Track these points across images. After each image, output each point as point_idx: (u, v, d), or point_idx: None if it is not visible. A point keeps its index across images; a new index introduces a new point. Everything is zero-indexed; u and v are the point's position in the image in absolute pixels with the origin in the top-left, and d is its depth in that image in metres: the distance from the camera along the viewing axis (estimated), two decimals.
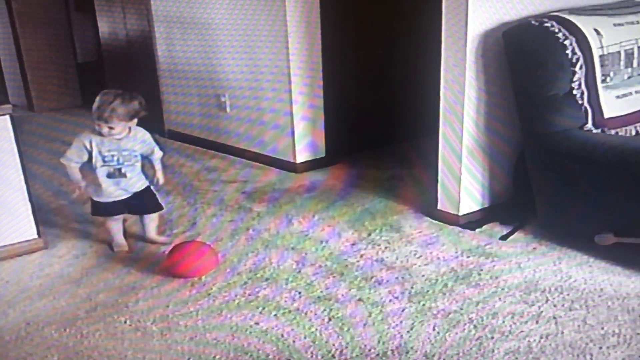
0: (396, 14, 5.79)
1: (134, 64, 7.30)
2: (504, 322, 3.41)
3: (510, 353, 3.16)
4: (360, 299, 3.68)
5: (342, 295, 3.74)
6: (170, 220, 4.77)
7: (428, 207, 4.70)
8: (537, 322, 3.40)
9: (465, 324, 3.40)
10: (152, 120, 6.90)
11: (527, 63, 4.10)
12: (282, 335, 3.37)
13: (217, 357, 3.23)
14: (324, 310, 3.59)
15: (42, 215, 4.53)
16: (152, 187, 4.36)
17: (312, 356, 3.20)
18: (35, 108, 8.34)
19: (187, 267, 3.95)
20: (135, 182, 4.26)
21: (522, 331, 3.33)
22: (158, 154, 4.32)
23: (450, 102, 4.32)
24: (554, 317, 3.43)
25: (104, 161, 4.12)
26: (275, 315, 3.56)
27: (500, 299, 3.63)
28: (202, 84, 6.33)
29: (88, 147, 4.11)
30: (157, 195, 4.41)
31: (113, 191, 4.22)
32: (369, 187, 5.23)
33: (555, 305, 3.53)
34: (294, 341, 3.33)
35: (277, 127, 5.72)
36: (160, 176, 4.35)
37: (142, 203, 4.35)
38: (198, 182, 5.61)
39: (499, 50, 4.21)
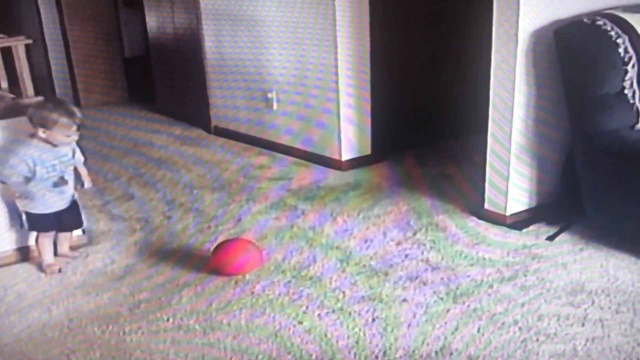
0: (446, 12, 5.76)
1: (182, 59, 7.33)
2: (549, 324, 3.36)
3: (555, 356, 3.12)
4: (404, 300, 3.66)
5: (387, 295, 3.71)
6: (216, 217, 4.78)
7: (475, 207, 4.65)
8: (583, 324, 3.35)
9: (510, 326, 3.36)
10: (199, 116, 6.99)
11: (579, 61, 4.05)
12: (326, 335, 3.36)
13: (260, 356, 3.23)
14: (368, 310, 3.57)
15: (86, 212, 4.54)
16: (77, 201, 4.28)
17: (355, 357, 3.19)
18: (82, 102, 8.38)
19: (232, 265, 3.95)
20: (71, 188, 4.20)
21: (567, 334, 3.28)
22: (80, 156, 4.24)
23: (500, 100, 4.28)
24: (600, 320, 3.38)
25: (48, 172, 4.01)
26: (318, 315, 3.55)
27: (545, 300, 3.58)
28: (250, 79, 6.33)
29: (30, 163, 3.95)
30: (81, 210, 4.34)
31: (57, 201, 4.12)
32: (415, 186, 5.19)
33: (601, 308, 3.47)
34: (337, 341, 3.31)
35: (323, 125, 5.71)
36: (86, 178, 4.29)
37: (72, 217, 4.25)
38: (244, 179, 5.61)
39: (550, 48, 4.15)
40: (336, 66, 5.44)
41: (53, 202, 4.10)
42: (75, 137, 4.02)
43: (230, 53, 6.47)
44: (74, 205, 4.23)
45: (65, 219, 4.21)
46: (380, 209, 4.81)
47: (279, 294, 3.77)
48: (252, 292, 3.80)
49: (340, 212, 4.79)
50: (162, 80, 7.89)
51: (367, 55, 5.51)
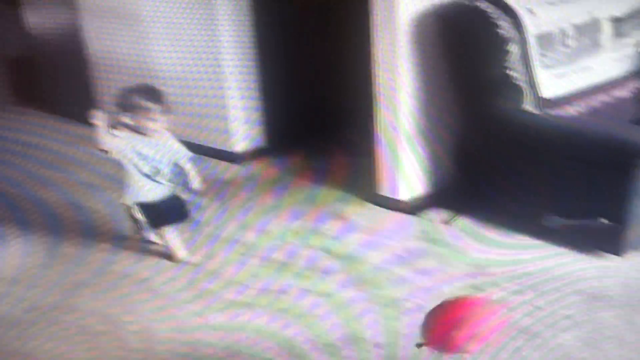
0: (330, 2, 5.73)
1: (65, 57, 7.15)
2: None
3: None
4: (307, 290, 3.65)
5: (289, 286, 3.70)
6: (110, 215, 4.67)
7: (371, 194, 4.66)
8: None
9: (413, 311, 3.37)
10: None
11: (461, 44, 4.11)
12: (231, 330, 3.33)
13: (166, 353, 3.19)
14: (271, 302, 3.56)
15: None
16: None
17: (262, 349, 3.17)
18: None
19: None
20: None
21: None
22: (186, 152, 4.06)
23: (386, 87, 4.29)
24: (504, 302, 3.43)
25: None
26: (221, 309, 3.52)
27: (447, 284, 3.62)
28: (136, 74, 6.20)
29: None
30: None
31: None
32: (311, 176, 5.18)
33: (504, 290, 3.53)
34: (243, 334, 3.29)
35: (214, 118, 5.63)
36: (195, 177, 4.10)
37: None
38: None
39: (433, 32, 4.19)
40: (220, 59, 5.38)
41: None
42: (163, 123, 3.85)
43: (115, 50, 6.34)
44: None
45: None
46: (277, 200, 4.79)
47: (180, 290, 3.72)
48: (153, 289, 3.74)
49: (237, 205, 4.75)
50: (47, 79, 7.67)
51: (253, 48, 5.46)
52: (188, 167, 4.02)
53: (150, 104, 3.77)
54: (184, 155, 4.00)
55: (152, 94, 3.84)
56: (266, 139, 5.74)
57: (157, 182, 3.91)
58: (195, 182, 4.03)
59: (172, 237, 4.04)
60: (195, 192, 4.09)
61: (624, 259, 3.76)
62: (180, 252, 4.04)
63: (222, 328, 3.35)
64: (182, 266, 3.96)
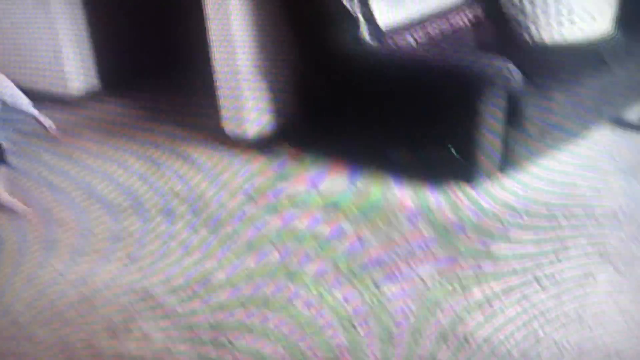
0: None
1: None
2: (307, 243, 3.44)
3: (318, 275, 3.19)
4: (157, 234, 3.61)
5: (138, 231, 3.65)
6: None
7: (215, 133, 4.61)
8: (340, 241, 3.45)
9: (268, 249, 3.40)
10: None
11: None
12: (82, 279, 3.26)
13: (17, 306, 3.10)
14: (121, 248, 3.50)
15: None
16: None
17: (115, 296, 3.12)
18: None
19: None
20: None
21: (327, 252, 3.37)
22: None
23: (219, 24, 4.24)
24: (358, 236, 3.48)
25: None
26: (72, 259, 3.43)
27: (300, 219, 3.65)
28: None
29: None
30: None
31: None
32: (152, 117, 5.08)
33: (358, 224, 3.56)
34: (95, 283, 3.22)
35: (47, 59, 5.44)
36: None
37: None
38: None
39: None
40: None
41: None
42: None
43: None
44: None
45: None
46: (119, 143, 4.68)
47: (28, 242, 3.61)
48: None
49: (76, 149, 4.61)
50: None
51: None
52: (33, 112, 3.86)
53: None
54: (26, 103, 3.84)
55: None
56: (103, 80, 5.58)
57: None
58: (45, 120, 3.89)
59: None
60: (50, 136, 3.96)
61: (474, 188, 3.86)
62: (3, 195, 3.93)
63: (75, 278, 3.28)
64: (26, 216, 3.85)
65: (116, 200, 3.95)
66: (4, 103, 3.78)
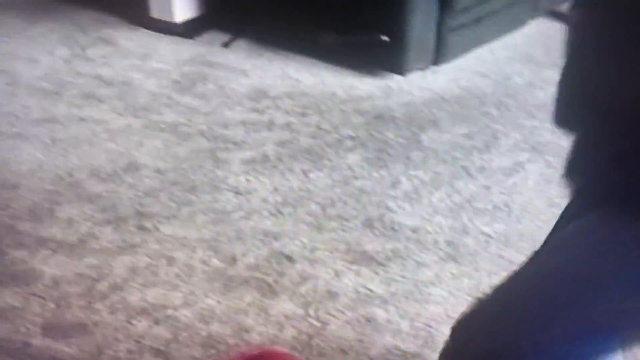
0: None
1: None
2: (236, 132, 3.39)
3: (246, 163, 3.17)
4: (82, 119, 3.53)
5: (63, 115, 3.56)
6: None
7: (142, 17, 4.45)
8: (270, 129, 3.41)
9: (196, 136, 3.36)
10: None
11: None
12: (6, 163, 3.18)
13: None
14: (46, 132, 3.41)
15: None
16: None
17: (40, 180, 3.06)
18: None
19: None
20: None
21: (256, 140, 3.33)
22: None
23: None
24: (288, 124, 3.46)
25: None
26: None
27: (229, 108, 3.60)
28: None
29: None
30: None
31: None
32: (79, 0, 4.91)
33: (287, 112, 3.54)
34: (19, 167, 3.15)
35: None
36: None
37: None
38: None
39: None
40: None
41: None
42: None
43: None
44: None
45: None
46: (43, 27, 4.50)
47: None
48: None
49: (0, 34, 4.46)
50: None
51: None
52: None
53: None
54: None
55: None
56: None
57: None
58: None
59: None
60: None
61: (406, 78, 3.84)
62: None
63: None
64: None
65: (40, 84, 3.84)
66: None
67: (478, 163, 3.18)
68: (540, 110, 3.53)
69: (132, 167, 3.14)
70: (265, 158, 3.20)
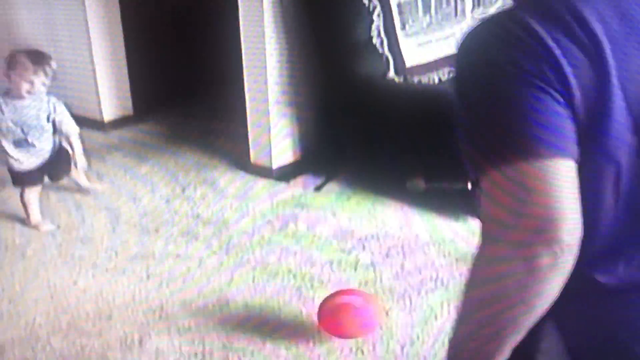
0: None
1: None
2: (322, 270, 3.49)
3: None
4: (178, 255, 3.69)
5: (159, 252, 3.73)
6: None
7: (241, 161, 4.71)
8: (355, 269, 3.50)
9: (284, 274, 3.46)
10: None
11: (325, 12, 4.19)
12: (102, 294, 3.35)
13: (37, 318, 3.18)
14: (142, 267, 3.58)
15: None
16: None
17: (132, 312, 3.19)
18: None
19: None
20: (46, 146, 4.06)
21: (341, 279, 3.42)
22: (72, 127, 4.07)
23: (252, 55, 4.34)
24: (372, 264, 3.53)
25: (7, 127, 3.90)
26: (92, 274, 3.53)
27: (317, 248, 3.71)
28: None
29: None
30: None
31: (27, 158, 4.01)
32: (181, 143, 5.18)
33: (372, 253, 3.62)
34: (113, 299, 3.31)
35: (81, 84, 5.55)
36: (79, 156, 4.09)
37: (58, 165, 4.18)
38: None
39: (298, 1, 4.25)
40: (85, 20, 5.32)
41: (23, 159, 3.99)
42: (40, 87, 3.87)
43: None
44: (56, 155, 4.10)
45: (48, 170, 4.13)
46: (148, 167, 4.79)
47: (51, 257, 3.71)
48: (24, 256, 3.72)
49: (107, 173, 4.72)
50: None
51: (117, 10, 5.41)
52: (75, 142, 4.06)
53: (29, 64, 3.82)
54: (72, 130, 4.05)
55: (34, 55, 3.91)
56: (134, 105, 5.68)
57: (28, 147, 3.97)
58: (80, 160, 4.08)
59: (32, 199, 4.08)
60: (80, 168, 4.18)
61: None
62: (35, 217, 4.08)
63: (94, 293, 3.36)
64: (49, 233, 3.96)
65: (142, 222, 4.04)
66: (58, 125, 4.00)
67: None
68: None
69: (222, 302, 3.26)
70: None
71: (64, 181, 4.35)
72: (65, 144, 4.11)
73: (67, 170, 4.25)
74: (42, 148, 4.00)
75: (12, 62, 3.83)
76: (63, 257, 3.71)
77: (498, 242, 1.14)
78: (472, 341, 1.23)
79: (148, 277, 3.50)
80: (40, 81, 3.85)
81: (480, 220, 1.18)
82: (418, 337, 2.97)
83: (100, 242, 3.85)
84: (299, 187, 4.42)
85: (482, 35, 1.22)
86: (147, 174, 4.68)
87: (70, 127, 4.05)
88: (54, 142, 4.05)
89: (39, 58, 3.88)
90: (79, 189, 4.37)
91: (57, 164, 4.14)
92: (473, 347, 1.23)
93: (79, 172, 4.27)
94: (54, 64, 3.91)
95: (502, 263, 1.13)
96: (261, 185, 4.47)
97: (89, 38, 5.34)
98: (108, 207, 4.24)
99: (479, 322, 1.21)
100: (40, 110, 3.92)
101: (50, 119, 3.96)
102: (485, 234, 1.17)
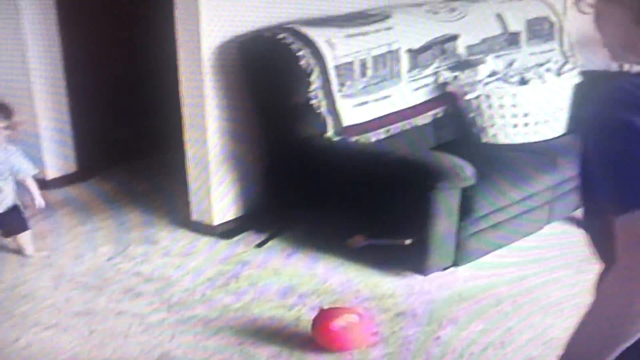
0: (136, 24, 5.71)
1: None
2: (264, 327, 3.57)
3: (272, 358, 3.33)
4: (119, 312, 3.74)
5: (102, 309, 3.77)
6: None
7: (183, 219, 4.76)
8: (296, 326, 3.58)
9: (226, 331, 3.53)
10: None
11: (264, 74, 4.30)
12: (43, 351, 3.38)
13: None
14: (84, 324, 3.62)
15: None
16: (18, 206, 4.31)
17: None
18: None
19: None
20: (9, 194, 4.23)
21: (282, 336, 3.50)
22: (28, 169, 4.27)
23: (193, 114, 4.44)
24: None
25: None
26: (34, 331, 3.55)
27: (258, 305, 3.78)
28: None
29: None
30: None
31: None
32: (124, 201, 5.20)
33: (313, 309, 3.64)
34: (55, 357, 3.34)
35: (24, 143, 5.54)
36: (37, 196, 4.33)
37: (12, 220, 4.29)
38: None
39: (236, 62, 4.35)
40: (28, 82, 5.35)
41: None
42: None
43: None
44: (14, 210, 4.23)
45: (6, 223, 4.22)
46: (90, 225, 4.81)
47: None
48: None
49: (50, 231, 4.75)
50: None
51: (61, 68, 5.46)
52: (30, 183, 4.29)
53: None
54: (28, 171, 4.26)
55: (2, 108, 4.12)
56: (77, 163, 5.70)
57: None
58: (38, 199, 4.31)
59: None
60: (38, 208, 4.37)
61: (427, 277, 4.00)
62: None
63: (36, 350, 3.40)
64: None
65: (84, 279, 4.08)
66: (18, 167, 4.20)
67: (492, 358, 3.31)
68: (553, 308, 3.67)
69: (165, 359, 3.32)
70: (290, 354, 3.35)
71: (5, 241, 4.40)
72: (17, 201, 4.26)
73: (24, 228, 4.35)
74: (7, 196, 4.17)
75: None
76: (5, 314, 3.73)
77: None
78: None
79: (90, 333, 3.53)
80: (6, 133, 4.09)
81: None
82: None
83: (42, 299, 3.88)
84: (241, 244, 4.49)
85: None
86: (89, 232, 4.70)
87: (28, 168, 4.25)
88: (15, 191, 4.23)
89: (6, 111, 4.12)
90: (21, 253, 4.37)
91: (13, 219, 4.29)
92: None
93: (26, 236, 4.35)
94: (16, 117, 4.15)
95: None
96: (203, 242, 4.53)
97: (31, 98, 5.35)
98: (51, 264, 4.26)
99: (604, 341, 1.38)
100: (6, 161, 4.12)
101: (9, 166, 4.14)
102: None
